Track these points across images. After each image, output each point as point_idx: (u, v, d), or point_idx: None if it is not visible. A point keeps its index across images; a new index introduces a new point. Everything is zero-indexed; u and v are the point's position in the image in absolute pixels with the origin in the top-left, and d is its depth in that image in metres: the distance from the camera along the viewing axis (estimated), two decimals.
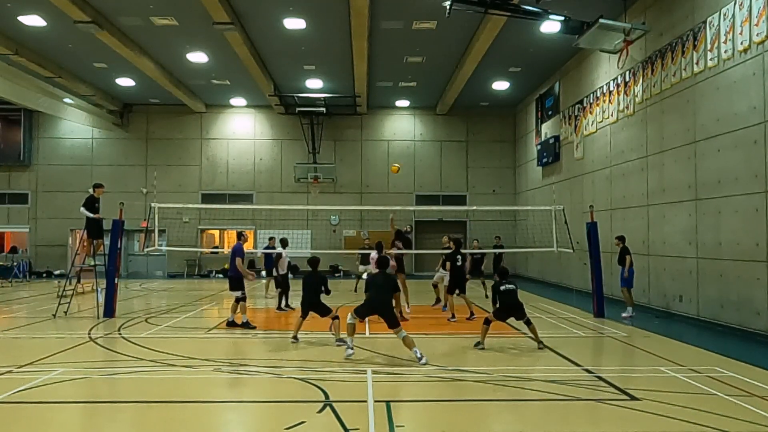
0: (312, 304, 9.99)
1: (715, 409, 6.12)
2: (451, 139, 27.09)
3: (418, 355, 8.26)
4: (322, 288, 10.02)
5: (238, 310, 11.69)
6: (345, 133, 26.80)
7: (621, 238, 13.54)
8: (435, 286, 14.45)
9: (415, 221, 26.32)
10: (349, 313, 8.89)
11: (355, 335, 10.55)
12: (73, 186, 25.17)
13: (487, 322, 9.69)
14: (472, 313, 12.68)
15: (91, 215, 13.31)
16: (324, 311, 10.00)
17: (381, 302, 8.81)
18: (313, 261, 10.41)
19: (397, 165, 14.48)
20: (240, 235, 12.67)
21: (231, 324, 11.65)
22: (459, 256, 12.76)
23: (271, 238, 17.70)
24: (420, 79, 22.28)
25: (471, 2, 12.51)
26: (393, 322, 8.66)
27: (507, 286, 9.83)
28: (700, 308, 12.18)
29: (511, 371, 7.98)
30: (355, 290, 18.48)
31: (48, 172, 26.36)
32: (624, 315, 13.00)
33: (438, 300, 14.48)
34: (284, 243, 14.99)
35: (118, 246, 13.40)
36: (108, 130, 26.03)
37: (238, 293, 11.70)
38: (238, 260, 11.78)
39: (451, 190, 26.86)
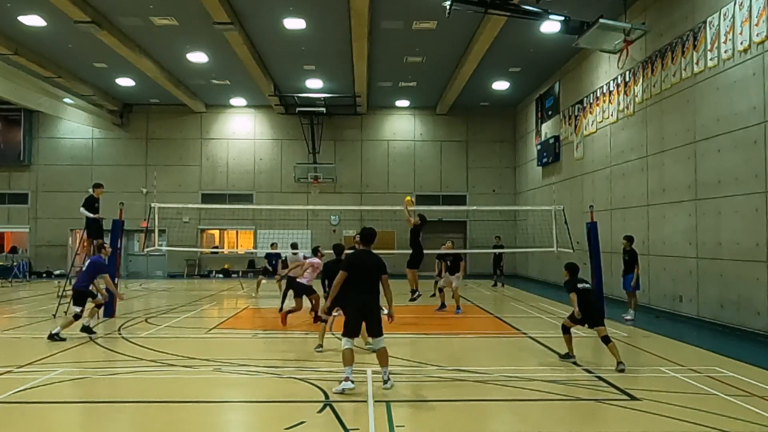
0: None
1: (715, 409, 6.11)
2: (451, 139, 27.09)
3: (386, 377, 6.91)
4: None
5: (86, 314, 10.62)
6: (345, 133, 26.79)
7: (629, 239, 13.04)
8: (441, 290, 14.37)
9: None
10: (343, 339, 6.99)
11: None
12: (73, 186, 25.15)
13: (566, 330, 8.74)
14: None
15: (91, 215, 13.31)
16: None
17: (368, 300, 7.00)
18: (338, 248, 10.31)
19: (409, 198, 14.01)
20: (100, 248, 11.50)
21: (86, 329, 10.53)
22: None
23: (273, 244, 17.88)
24: (420, 79, 22.27)
25: (471, 2, 12.51)
26: (376, 329, 6.97)
27: (584, 284, 8.73)
28: (700, 308, 12.18)
29: (511, 371, 7.98)
30: None
31: (48, 172, 26.36)
32: (625, 316, 12.88)
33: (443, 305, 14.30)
34: (294, 246, 14.85)
35: (118, 246, 13.40)
36: (108, 130, 26.03)
37: (78, 309, 10.33)
38: (106, 277, 10.69)
39: (451, 190, 26.85)
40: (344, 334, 6.96)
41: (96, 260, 10.84)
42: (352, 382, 6.74)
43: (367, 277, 6.99)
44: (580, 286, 8.64)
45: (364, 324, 7.08)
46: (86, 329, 10.50)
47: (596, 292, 13.27)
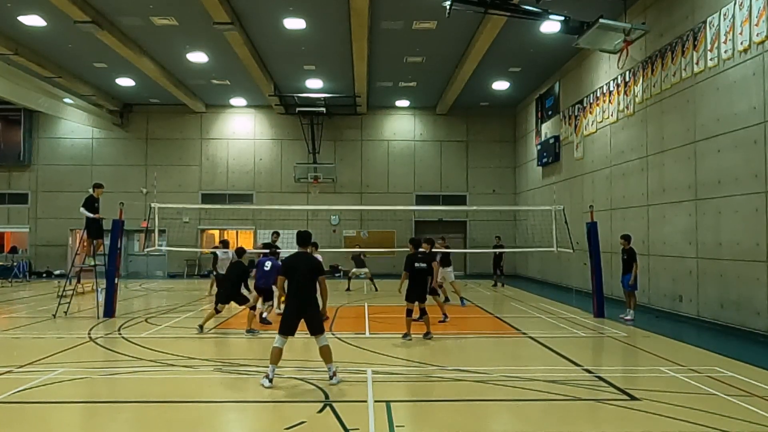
0: (233, 294, 11.10)
1: (715, 409, 6.12)
2: (451, 139, 27.09)
3: (330, 374, 7.18)
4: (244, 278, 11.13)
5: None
6: (345, 133, 26.79)
7: (627, 238, 12.94)
8: (440, 285, 14.25)
9: (415, 221, 26.35)
10: (277, 336, 7.32)
11: (356, 335, 10.66)
12: (73, 186, 25.16)
13: (410, 313, 10.26)
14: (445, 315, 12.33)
15: (91, 215, 13.31)
16: (242, 301, 11.20)
17: (306, 300, 7.30)
18: (239, 251, 11.59)
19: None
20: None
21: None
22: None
23: (222, 241, 18.04)
24: (420, 79, 22.27)
25: (471, 2, 12.51)
26: (316, 327, 7.31)
27: (420, 265, 10.24)
28: (700, 308, 12.18)
29: (511, 371, 7.98)
30: (348, 289, 18.84)
31: (48, 172, 26.35)
32: (622, 316, 12.82)
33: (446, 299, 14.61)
34: (225, 244, 15.14)
35: (118, 246, 13.39)
36: (108, 130, 26.03)
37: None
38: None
39: (451, 190, 26.85)
40: (279, 332, 7.30)
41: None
42: (270, 381, 7.01)
43: (302, 279, 7.32)
44: (416, 266, 10.20)
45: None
46: (264, 321, 11.95)
47: (596, 291, 13.35)
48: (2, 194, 26.32)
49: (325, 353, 7.25)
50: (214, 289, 17.48)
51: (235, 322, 12.72)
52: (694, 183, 12.35)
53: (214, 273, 15.63)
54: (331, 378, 7.16)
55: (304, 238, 7.69)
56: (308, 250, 7.74)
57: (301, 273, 7.34)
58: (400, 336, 10.24)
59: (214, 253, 15.65)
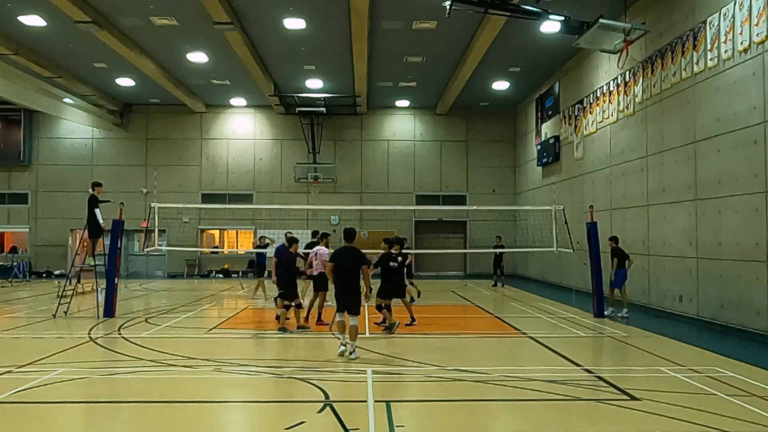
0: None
1: (715, 409, 6.11)
2: (451, 139, 27.09)
3: (351, 349, 8.51)
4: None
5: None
6: (345, 133, 26.80)
7: (614, 239, 13.43)
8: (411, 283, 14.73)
9: (415, 221, 26.36)
10: (336, 313, 8.90)
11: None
12: (73, 186, 25.16)
13: (380, 308, 10.92)
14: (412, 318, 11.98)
15: (102, 220, 13.31)
16: (291, 295, 11.09)
17: (349, 287, 8.71)
18: (291, 240, 11.59)
19: None
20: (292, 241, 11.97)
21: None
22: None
23: (261, 237, 17.73)
24: (420, 79, 22.27)
25: (471, 2, 12.49)
26: (353, 310, 8.68)
27: (393, 264, 10.96)
28: (700, 308, 12.18)
29: (511, 371, 7.98)
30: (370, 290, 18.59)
31: (48, 172, 26.35)
32: (616, 313, 13.11)
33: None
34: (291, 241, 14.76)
35: (118, 246, 13.39)
36: (108, 130, 26.03)
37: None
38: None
39: (451, 190, 26.86)
40: (336, 309, 8.82)
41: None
42: (344, 345, 8.61)
43: (346, 268, 8.73)
44: (391, 264, 10.97)
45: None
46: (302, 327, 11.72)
47: (596, 291, 13.35)
48: (2, 194, 26.31)
49: (352, 332, 8.59)
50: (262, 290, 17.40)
51: (237, 323, 12.73)
52: (694, 183, 12.35)
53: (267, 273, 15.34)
54: (350, 354, 8.45)
55: (349, 234, 9.13)
56: (353, 244, 9.06)
57: (346, 263, 8.71)
58: (386, 331, 10.83)
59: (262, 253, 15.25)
